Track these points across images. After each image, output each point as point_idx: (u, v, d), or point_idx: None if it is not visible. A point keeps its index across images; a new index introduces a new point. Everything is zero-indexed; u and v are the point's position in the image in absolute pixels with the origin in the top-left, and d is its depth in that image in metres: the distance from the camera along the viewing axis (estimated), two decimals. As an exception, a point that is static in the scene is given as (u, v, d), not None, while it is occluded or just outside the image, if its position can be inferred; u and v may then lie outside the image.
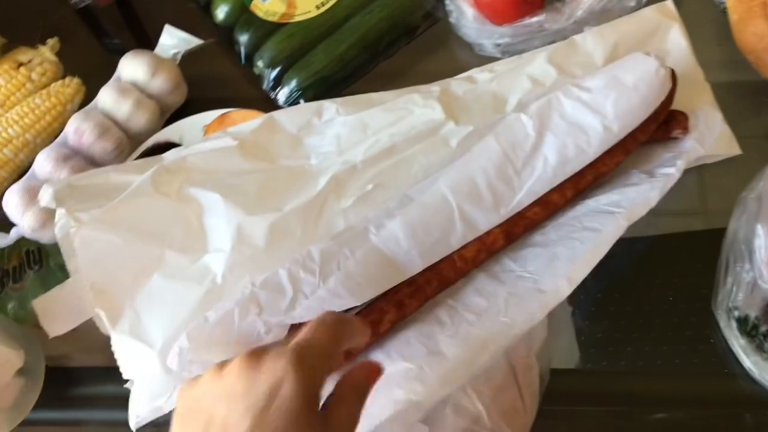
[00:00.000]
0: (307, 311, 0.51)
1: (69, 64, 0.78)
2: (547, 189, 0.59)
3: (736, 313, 0.60)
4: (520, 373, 0.57)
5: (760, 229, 0.58)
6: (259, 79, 0.74)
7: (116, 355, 0.55)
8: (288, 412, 0.38)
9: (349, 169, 0.61)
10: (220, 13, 0.77)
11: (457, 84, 0.67)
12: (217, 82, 0.79)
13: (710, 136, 0.63)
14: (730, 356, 0.61)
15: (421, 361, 0.53)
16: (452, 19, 0.75)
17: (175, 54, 0.75)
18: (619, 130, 0.60)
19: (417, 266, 0.56)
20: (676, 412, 0.61)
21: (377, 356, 0.54)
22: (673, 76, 0.64)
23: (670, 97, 0.64)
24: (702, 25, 0.73)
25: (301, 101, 0.71)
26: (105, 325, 0.55)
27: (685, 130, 0.64)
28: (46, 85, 0.75)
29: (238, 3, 0.76)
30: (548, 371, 0.60)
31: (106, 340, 0.57)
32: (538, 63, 0.67)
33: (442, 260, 0.58)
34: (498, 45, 0.74)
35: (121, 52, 0.75)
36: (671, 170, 0.60)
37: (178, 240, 0.57)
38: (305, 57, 0.73)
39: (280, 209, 0.59)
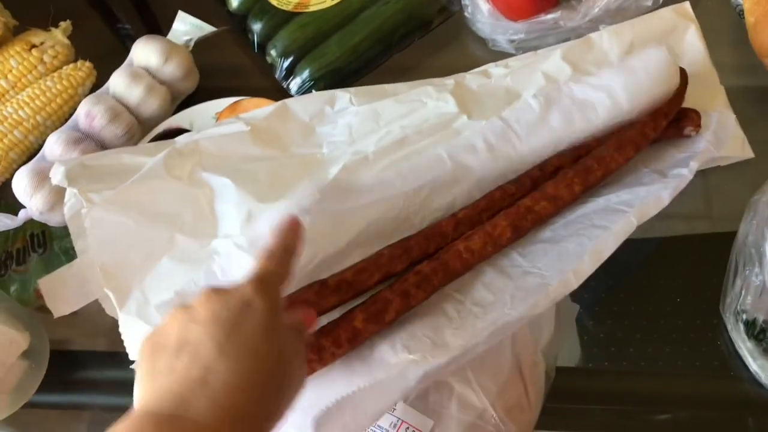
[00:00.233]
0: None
1: (80, 47, 0.78)
2: (551, 151, 0.60)
3: (743, 316, 0.59)
4: (527, 370, 0.57)
5: (771, 233, 0.58)
6: (271, 68, 0.74)
7: (123, 337, 0.55)
8: (260, 324, 0.41)
9: (360, 160, 0.61)
10: (234, 0, 0.76)
11: (471, 78, 0.67)
12: (228, 69, 0.79)
13: (724, 138, 0.63)
14: (737, 359, 0.60)
15: (425, 352, 0.52)
16: (467, 14, 0.75)
17: (188, 41, 0.75)
18: (630, 107, 0.61)
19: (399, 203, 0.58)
20: (680, 413, 0.60)
21: (382, 347, 0.54)
22: (684, 74, 0.64)
23: (680, 94, 0.64)
24: (718, 27, 0.73)
25: (313, 92, 0.71)
26: (112, 306, 0.55)
27: (698, 127, 0.64)
28: (57, 68, 0.75)
29: (253, -9, 0.76)
30: (554, 369, 0.60)
31: (109, 325, 0.57)
32: (553, 60, 0.67)
33: (447, 251, 0.58)
34: (512, 41, 0.74)
35: (132, 38, 0.75)
36: (684, 171, 0.60)
37: (188, 224, 0.57)
38: (318, 47, 0.73)
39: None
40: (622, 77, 0.62)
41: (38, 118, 0.72)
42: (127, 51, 0.75)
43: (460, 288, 0.58)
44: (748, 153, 0.66)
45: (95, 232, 0.51)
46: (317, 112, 0.65)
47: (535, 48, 0.71)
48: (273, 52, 0.73)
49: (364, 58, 0.73)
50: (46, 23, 0.77)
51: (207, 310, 0.41)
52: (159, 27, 0.83)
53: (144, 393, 0.39)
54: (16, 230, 0.71)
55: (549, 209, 0.60)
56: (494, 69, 0.68)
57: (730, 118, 0.66)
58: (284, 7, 0.74)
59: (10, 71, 0.73)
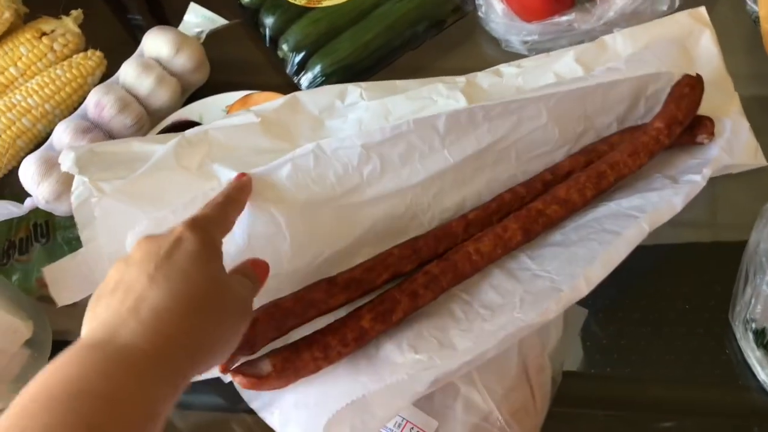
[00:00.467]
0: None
1: (90, 36, 0.78)
2: (550, 91, 0.61)
3: (753, 325, 0.59)
4: (533, 373, 0.57)
5: (783, 242, 0.58)
6: (282, 62, 0.74)
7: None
8: (191, 258, 0.43)
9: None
10: (247, -7, 0.76)
11: (482, 76, 0.66)
12: (239, 63, 0.78)
13: (737, 146, 0.63)
14: (745, 368, 0.60)
15: (432, 353, 0.52)
16: (481, 13, 0.74)
17: (200, 33, 0.74)
18: (628, 68, 0.63)
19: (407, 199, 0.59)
20: (685, 421, 0.60)
21: (388, 347, 0.54)
22: (700, 82, 0.64)
23: (696, 101, 0.63)
24: (733, 33, 0.73)
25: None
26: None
27: (711, 135, 0.64)
28: (67, 57, 0.75)
29: (266, -16, 0.76)
30: (560, 373, 0.60)
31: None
32: (566, 61, 0.67)
33: (457, 252, 0.57)
34: (525, 42, 0.73)
35: (142, 28, 0.74)
36: (696, 177, 0.59)
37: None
38: (330, 43, 0.72)
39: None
40: (625, 59, 0.64)
41: (47, 106, 0.72)
42: (137, 41, 0.74)
43: (467, 288, 0.58)
44: (761, 161, 0.66)
45: (105, 222, 0.50)
46: (327, 105, 0.64)
47: (549, 50, 0.71)
48: (285, 47, 0.73)
49: (376, 56, 0.73)
50: (57, 11, 0.77)
51: (140, 251, 0.43)
52: (167, 18, 0.83)
53: (83, 333, 0.41)
54: (20, 219, 0.71)
55: (560, 213, 0.59)
56: (506, 68, 0.68)
57: (744, 126, 0.66)
58: (297, 2, 0.74)
59: (20, 58, 0.73)
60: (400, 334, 0.55)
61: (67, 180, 0.62)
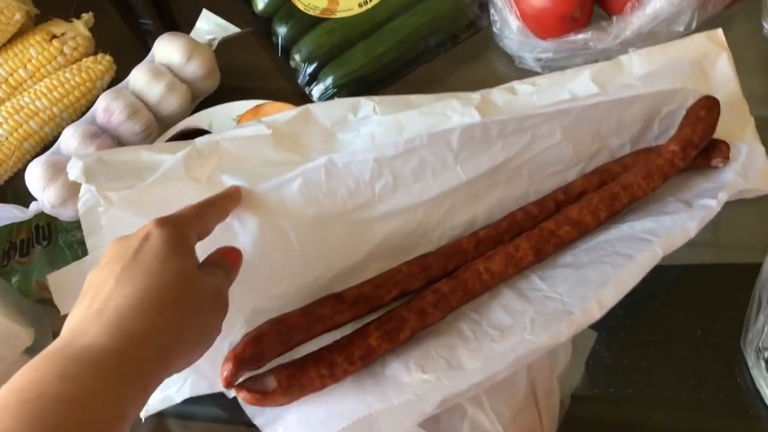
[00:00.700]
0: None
1: (100, 40, 0.77)
2: (565, 107, 0.61)
3: (766, 354, 0.58)
4: (542, 396, 0.56)
5: (799, 270, 0.57)
6: (294, 72, 0.73)
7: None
8: (156, 254, 0.43)
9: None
10: (260, 2, 0.76)
11: (497, 94, 0.66)
12: (250, 71, 0.78)
13: (753, 171, 0.62)
14: (756, 398, 0.59)
15: (440, 373, 0.51)
16: (495, 29, 0.73)
17: (211, 40, 0.74)
18: (641, 85, 0.63)
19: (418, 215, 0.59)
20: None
21: (395, 366, 0.53)
22: (716, 105, 0.63)
23: (712, 125, 0.63)
24: (748, 55, 0.72)
25: (335, 99, 0.70)
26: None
27: (726, 159, 0.63)
28: (77, 60, 0.74)
29: (280, -6, 0.75)
30: (569, 396, 0.59)
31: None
32: (582, 80, 0.66)
33: (467, 270, 0.57)
34: (539, 59, 0.73)
35: (153, 34, 0.74)
36: (711, 202, 0.59)
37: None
38: (343, 55, 0.71)
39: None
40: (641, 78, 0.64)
41: (55, 109, 0.71)
42: (147, 46, 0.74)
43: (476, 307, 0.57)
44: (777, 186, 0.65)
45: (112, 231, 0.50)
46: (340, 118, 0.64)
47: (563, 67, 0.70)
48: (297, 57, 0.72)
49: (388, 68, 0.72)
50: (68, 14, 0.76)
51: (110, 253, 0.44)
52: (176, 23, 0.83)
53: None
54: (22, 221, 0.70)
55: (572, 234, 0.59)
56: (521, 86, 0.67)
57: (760, 151, 0.65)
58: (311, 12, 0.73)
59: (30, 61, 0.72)
60: (407, 352, 0.54)
61: (73, 185, 0.61)
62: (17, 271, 0.69)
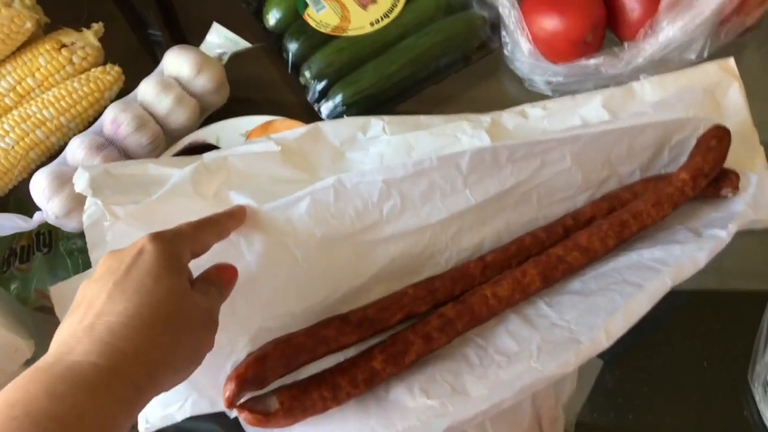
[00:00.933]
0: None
1: (110, 50, 0.77)
2: (576, 133, 0.61)
3: (774, 388, 0.58)
4: (546, 425, 0.55)
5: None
6: (304, 89, 0.73)
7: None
8: (149, 271, 0.42)
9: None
10: (272, 18, 0.75)
11: (508, 117, 0.65)
12: (260, 86, 0.77)
13: (763, 201, 0.62)
14: (763, 431, 0.58)
15: (444, 399, 0.51)
16: (506, 51, 0.73)
17: (222, 54, 0.73)
18: (653, 113, 0.62)
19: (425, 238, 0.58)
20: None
21: (399, 390, 0.53)
22: (727, 135, 0.63)
23: (723, 154, 0.63)
24: (760, 84, 0.72)
25: (344, 117, 0.70)
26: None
27: (736, 189, 0.63)
28: (86, 70, 0.74)
29: (291, 10, 0.75)
30: (573, 425, 0.58)
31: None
32: (593, 106, 0.66)
33: (474, 295, 0.56)
34: (549, 83, 0.72)
35: (162, 45, 0.73)
36: (721, 233, 0.59)
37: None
38: (354, 73, 0.71)
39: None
40: (652, 106, 0.64)
41: (62, 119, 0.70)
42: (157, 58, 0.73)
43: (482, 333, 0.57)
44: (787, 218, 0.65)
45: (117, 247, 0.49)
46: (349, 137, 0.63)
47: (573, 92, 0.70)
48: (307, 74, 0.72)
49: (398, 87, 0.72)
50: (79, 23, 0.76)
51: (102, 267, 0.43)
52: (186, 36, 0.83)
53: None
54: (23, 228, 0.69)
55: (581, 261, 0.59)
56: (531, 110, 0.67)
57: (770, 182, 0.65)
58: (322, 30, 0.73)
59: (38, 69, 0.72)
60: (411, 376, 0.54)
61: (78, 196, 0.61)
62: (17, 277, 0.68)
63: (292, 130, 0.63)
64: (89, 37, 0.75)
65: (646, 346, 0.64)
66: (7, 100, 0.71)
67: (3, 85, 0.71)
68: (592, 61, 0.69)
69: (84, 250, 0.59)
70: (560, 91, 0.72)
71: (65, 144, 0.68)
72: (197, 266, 0.48)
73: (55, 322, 0.58)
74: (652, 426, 0.61)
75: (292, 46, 0.73)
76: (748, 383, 0.60)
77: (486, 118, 0.65)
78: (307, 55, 0.73)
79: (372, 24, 0.73)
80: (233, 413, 0.51)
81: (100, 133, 0.68)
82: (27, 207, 0.67)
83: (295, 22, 0.74)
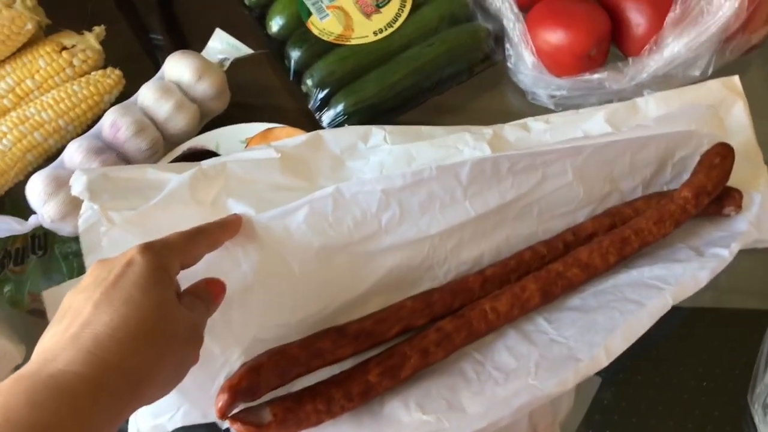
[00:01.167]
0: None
1: (111, 54, 0.76)
2: (578, 144, 0.60)
3: (774, 410, 0.57)
4: (543, 443, 0.54)
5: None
6: (305, 97, 0.72)
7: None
8: (137, 282, 0.42)
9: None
10: (275, 25, 0.75)
11: (510, 130, 0.65)
12: (261, 93, 0.77)
13: (766, 221, 0.61)
14: (762, 454, 0.58)
15: (440, 414, 0.50)
16: (510, 64, 0.73)
17: (223, 60, 0.73)
18: (656, 125, 0.61)
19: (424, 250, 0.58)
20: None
21: (394, 404, 0.52)
22: (731, 153, 0.62)
23: (726, 172, 0.62)
24: (764, 102, 0.72)
25: (345, 126, 0.69)
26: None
27: (739, 208, 0.63)
28: (86, 73, 0.73)
29: (295, 17, 0.74)
30: (570, 443, 0.57)
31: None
32: (596, 121, 0.66)
33: (472, 309, 0.56)
34: (553, 96, 0.72)
35: (163, 50, 0.73)
36: (724, 252, 0.58)
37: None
38: (356, 82, 0.71)
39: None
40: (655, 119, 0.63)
41: (60, 122, 0.70)
42: (158, 63, 0.73)
43: (480, 348, 0.57)
44: (789, 238, 0.64)
45: (112, 252, 0.48)
46: (350, 146, 0.63)
47: (576, 106, 0.70)
48: (309, 82, 0.71)
49: (401, 97, 0.72)
50: (80, 26, 0.75)
51: (90, 276, 0.43)
52: (188, 41, 0.82)
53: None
54: (18, 230, 0.69)
55: (581, 277, 0.58)
56: (534, 123, 0.67)
57: (773, 201, 0.64)
58: (325, 38, 0.73)
59: (38, 71, 0.71)
60: (407, 390, 0.53)
61: (74, 200, 0.61)
62: (10, 280, 0.68)
63: (293, 137, 0.62)
64: (90, 40, 0.74)
65: (644, 364, 0.63)
66: (5, 102, 0.71)
67: (2, 86, 0.71)
68: (595, 76, 0.69)
69: (79, 254, 0.58)
70: (563, 105, 0.72)
71: (63, 147, 0.68)
72: (189, 277, 0.48)
73: (47, 327, 0.58)
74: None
75: (295, 54, 0.73)
76: (747, 404, 0.59)
77: (488, 131, 0.64)
78: (309, 62, 0.72)
79: (375, 33, 0.73)
80: (225, 424, 0.51)
81: (98, 137, 0.68)
82: (23, 209, 0.66)
83: (298, 29, 0.74)
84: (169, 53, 0.72)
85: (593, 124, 0.65)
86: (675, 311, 0.56)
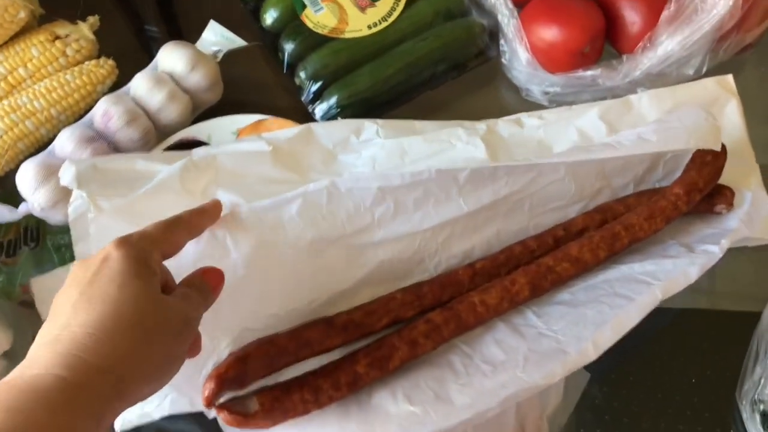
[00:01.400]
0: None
1: (104, 44, 0.76)
2: (580, 158, 0.59)
3: (761, 407, 0.57)
4: (530, 436, 0.54)
5: (800, 323, 0.56)
6: (298, 90, 0.72)
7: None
8: (114, 278, 0.41)
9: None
10: (269, 17, 0.75)
11: (503, 125, 0.65)
12: (254, 85, 0.77)
13: (757, 219, 0.62)
14: (749, 450, 0.58)
15: (427, 405, 0.50)
16: (504, 60, 0.73)
17: (217, 51, 0.73)
18: (657, 140, 0.60)
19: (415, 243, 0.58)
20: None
21: (382, 395, 0.52)
22: (724, 151, 0.62)
23: (718, 170, 0.62)
24: (757, 102, 0.72)
25: (338, 119, 0.69)
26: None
27: (730, 206, 0.63)
28: (79, 63, 0.73)
29: (289, 10, 0.74)
30: (558, 437, 0.57)
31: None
32: (590, 117, 0.66)
33: (461, 302, 0.56)
34: (546, 93, 0.72)
35: (157, 40, 0.73)
36: (714, 248, 0.58)
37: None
38: (349, 75, 0.71)
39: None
40: (653, 125, 0.61)
41: (52, 111, 0.70)
42: (150, 53, 0.73)
43: (468, 340, 0.57)
44: (781, 236, 0.64)
45: (100, 240, 0.49)
46: (342, 139, 0.63)
47: (570, 103, 0.70)
48: (302, 74, 0.71)
49: (394, 92, 0.72)
50: (74, 16, 0.75)
51: (70, 276, 0.43)
52: (182, 32, 0.82)
53: None
54: (11, 221, 0.68)
55: (570, 271, 0.58)
56: (527, 119, 0.67)
57: (765, 199, 0.65)
58: (319, 31, 0.73)
59: (30, 60, 0.71)
60: (395, 381, 0.53)
61: (64, 188, 0.60)
62: (2, 271, 0.67)
63: (284, 130, 0.62)
64: (84, 30, 0.74)
65: (635, 364, 0.63)
66: (-3, 90, 0.70)
67: (-6, 75, 0.70)
68: (589, 73, 0.69)
69: (72, 245, 0.58)
70: (557, 101, 0.72)
71: (55, 136, 0.67)
72: (178, 268, 0.47)
73: (38, 316, 0.58)
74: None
75: (288, 46, 0.73)
76: (735, 402, 0.59)
77: (481, 126, 0.64)
78: (303, 55, 0.72)
79: (370, 27, 0.73)
80: (212, 413, 0.51)
81: (90, 126, 0.67)
82: (14, 198, 0.66)
83: (292, 22, 0.74)
84: (163, 44, 0.71)
85: (587, 121, 0.65)
86: (665, 313, 0.56)
